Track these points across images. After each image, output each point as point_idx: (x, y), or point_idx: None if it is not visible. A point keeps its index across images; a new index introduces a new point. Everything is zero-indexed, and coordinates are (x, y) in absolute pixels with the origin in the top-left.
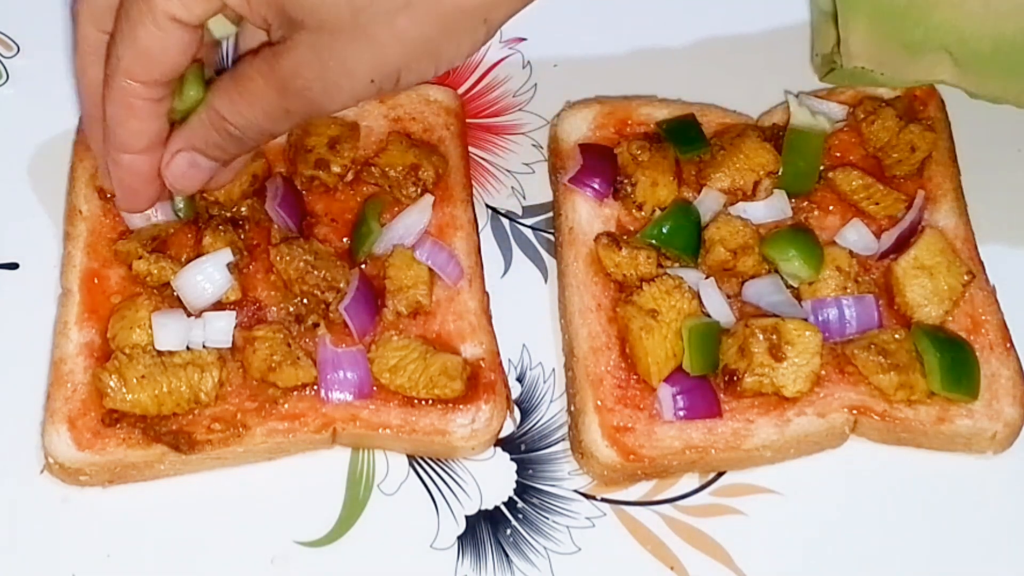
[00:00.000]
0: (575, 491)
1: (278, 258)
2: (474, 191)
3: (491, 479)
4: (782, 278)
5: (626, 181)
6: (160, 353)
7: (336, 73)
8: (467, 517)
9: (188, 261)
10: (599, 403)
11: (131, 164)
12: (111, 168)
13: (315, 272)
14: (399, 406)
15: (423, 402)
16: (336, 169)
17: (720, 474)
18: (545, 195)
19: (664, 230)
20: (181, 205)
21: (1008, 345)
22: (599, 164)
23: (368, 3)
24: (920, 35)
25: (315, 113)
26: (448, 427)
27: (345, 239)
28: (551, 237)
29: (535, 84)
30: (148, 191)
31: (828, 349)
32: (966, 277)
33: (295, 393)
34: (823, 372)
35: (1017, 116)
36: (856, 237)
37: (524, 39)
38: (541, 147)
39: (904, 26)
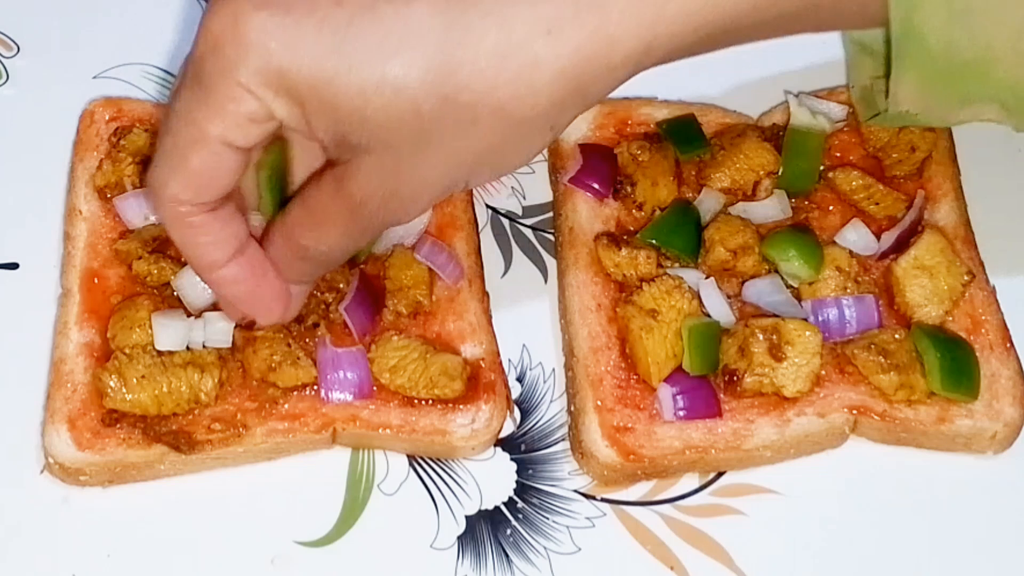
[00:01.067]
0: (575, 491)
1: None
2: (474, 191)
3: (491, 479)
4: (782, 278)
5: (626, 181)
6: (160, 353)
7: (408, 190)
8: (467, 517)
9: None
10: (599, 403)
11: (233, 276)
12: (219, 295)
13: None
14: (399, 406)
15: (423, 402)
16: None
17: (720, 474)
18: (545, 195)
19: (664, 230)
20: None
21: (1008, 345)
22: (599, 164)
23: (435, 123)
24: (974, 90)
25: (393, 225)
26: (448, 427)
27: None
28: (551, 237)
29: None
30: (269, 295)
31: (828, 349)
32: (966, 277)
33: (295, 393)
34: (823, 372)
35: None
36: (856, 237)
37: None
38: None
39: (958, 83)
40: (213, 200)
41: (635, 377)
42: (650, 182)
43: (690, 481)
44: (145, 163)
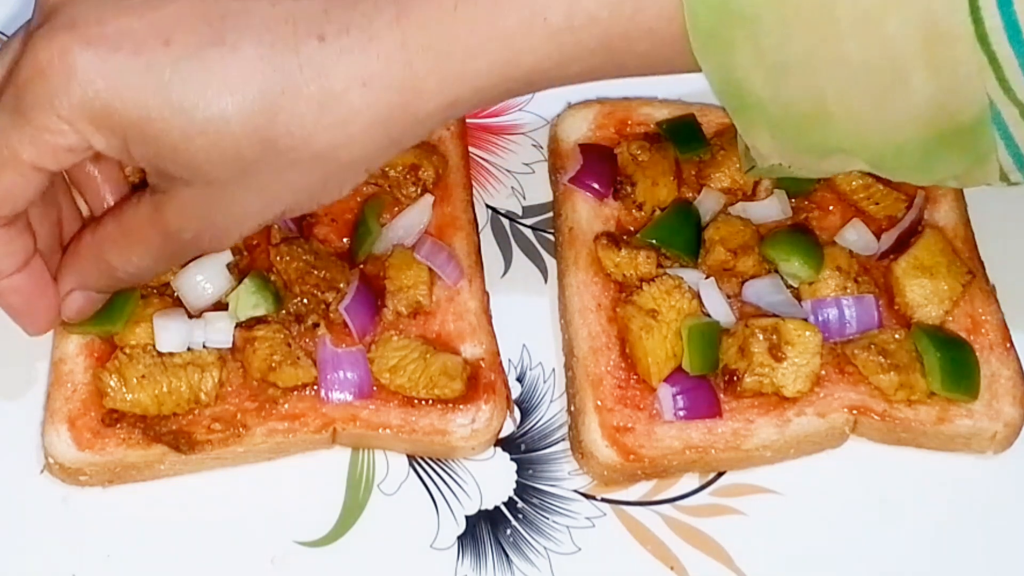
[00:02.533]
0: (575, 491)
1: (278, 258)
2: (474, 191)
3: (491, 479)
4: (782, 278)
5: (626, 181)
6: (160, 353)
7: (225, 222)
8: (467, 517)
9: (188, 261)
10: (599, 403)
11: (14, 287)
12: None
13: (315, 272)
14: (399, 406)
15: (423, 402)
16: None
17: (720, 474)
18: (545, 195)
19: (664, 230)
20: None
21: (1008, 345)
22: (599, 164)
23: (255, 164)
24: (821, 141)
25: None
26: (448, 427)
27: (345, 239)
28: (551, 237)
29: None
30: (44, 308)
31: (828, 349)
32: (966, 277)
33: (295, 393)
34: (823, 372)
35: None
36: (856, 237)
37: None
38: (541, 147)
39: (805, 136)
40: (11, 216)
41: (635, 377)
42: (650, 182)
43: (690, 481)
44: None
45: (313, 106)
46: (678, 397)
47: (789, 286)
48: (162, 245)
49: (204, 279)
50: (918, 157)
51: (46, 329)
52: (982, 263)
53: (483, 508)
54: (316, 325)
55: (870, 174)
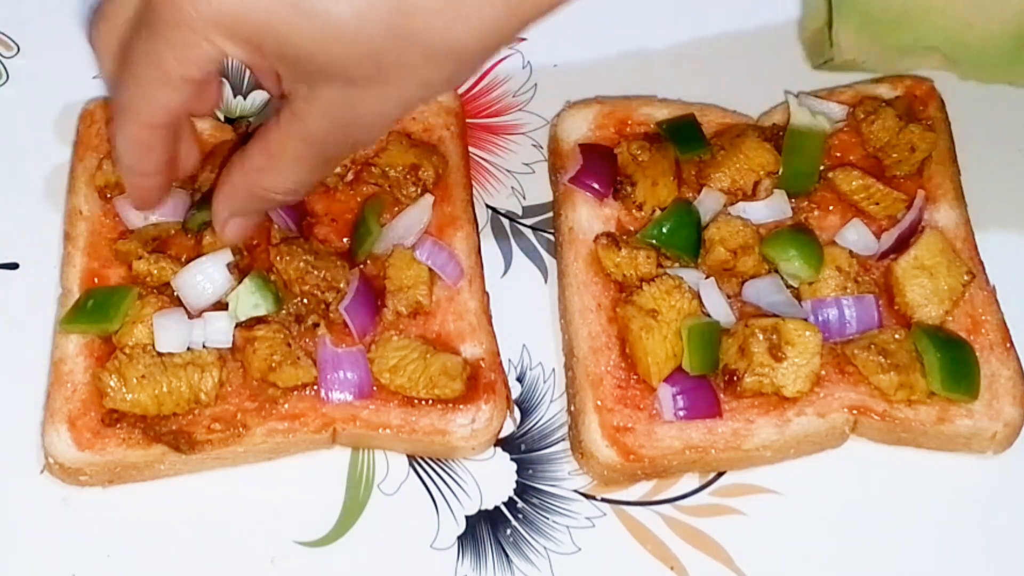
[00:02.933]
0: (575, 491)
1: (278, 258)
2: (474, 191)
3: (491, 479)
4: (782, 278)
5: (626, 181)
6: (160, 353)
7: (368, 118)
8: (467, 517)
9: (188, 261)
10: (599, 403)
11: (145, 182)
12: (125, 181)
13: (315, 272)
14: (399, 406)
15: (423, 402)
16: (336, 169)
17: (720, 474)
18: (545, 195)
19: (664, 230)
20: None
21: (1008, 345)
22: (599, 164)
23: (392, 61)
24: (910, 39)
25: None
26: (448, 427)
27: (345, 239)
28: (551, 237)
29: (535, 84)
30: (159, 194)
31: (828, 349)
32: (966, 277)
33: (295, 393)
34: (823, 372)
35: (1017, 116)
36: (856, 237)
37: (524, 39)
38: (541, 147)
39: (894, 31)
40: (163, 123)
41: (635, 377)
42: (650, 182)
43: (690, 481)
44: None
45: (445, 1)
46: (678, 397)
47: (789, 286)
48: (312, 155)
49: (204, 279)
50: (1006, 51)
51: (149, 207)
52: (982, 263)
53: (483, 508)
54: (316, 325)
55: (871, 174)
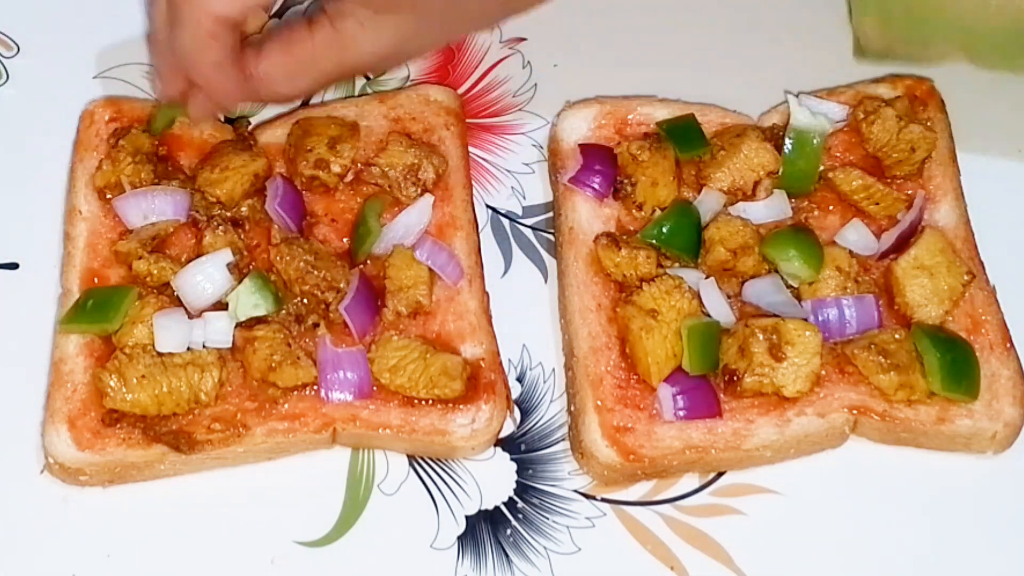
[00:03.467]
0: (575, 491)
1: (278, 258)
2: (474, 191)
3: (491, 479)
4: (782, 278)
5: (626, 181)
6: (160, 353)
7: (364, 45)
8: (467, 517)
9: (188, 261)
10: (599, 403)
11: (216, 74)
12: (196, 77)
13: (315, 272)
14: (399, 406)
15: (423, 402)
16: (336, 169)
17: (720, 474)
18: (545, 195)
19: (664, 230)
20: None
21: (1008, 345)
22: (599, 164)
23: None
24: (928, 31)
25: (342, 78)
26: (448, 427)
27: (345, 239)
28: (551, 237)
29: (535, 84)
30: (231, 96)
31: (828, 349)
32: (966, 277)
33: (295, 393)
34: (823, 372)
35: (1017, 116)
36: (856, 237)
37: (524, 39)
38: (541, 147)
39: (911, 24)
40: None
41: (635, 377)
42: (650, 182)
43: (690, 481)
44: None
45: None
46: (678, 397)
47: (789, 286)
48: (332, 61)
49: (204, 279)
50: (1012, 45)
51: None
52: (982, 263)
53: (483, 508)
54: (316, 325)
55: (871, 174)
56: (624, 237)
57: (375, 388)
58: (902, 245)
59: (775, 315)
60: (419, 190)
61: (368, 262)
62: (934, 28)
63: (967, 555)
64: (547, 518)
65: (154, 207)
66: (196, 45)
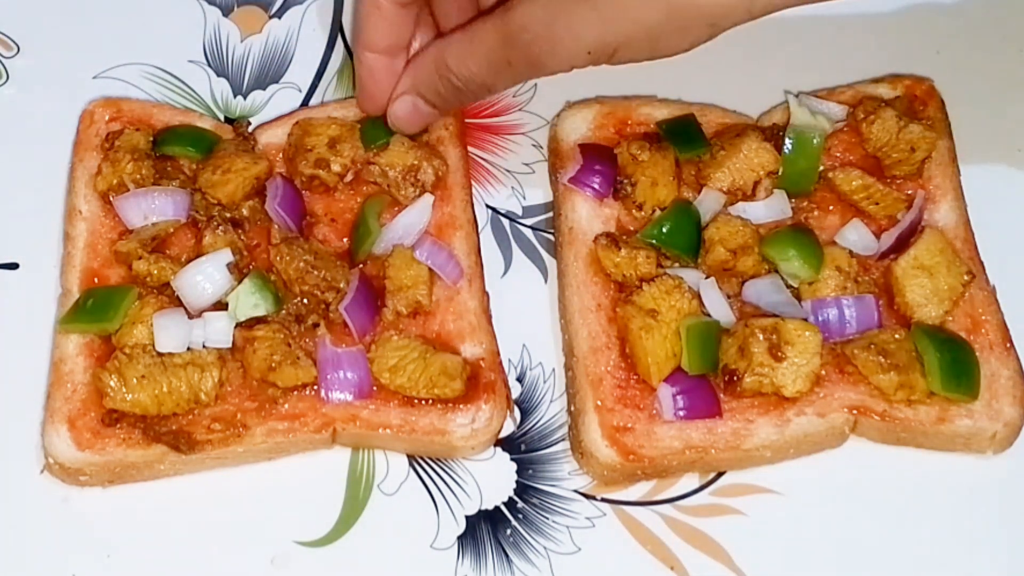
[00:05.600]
0: (575, 491)
1: (278, 258)
2: (474, 191)
3: (491, 479)
4: (782, 278)
5: (626, 181)
6: (160, 353)
7: (562, 33)
8: (467, 517)
9: (188, 261)
10: (599, 403)
11: (372, 63)
12: (356, 66)
13: (315, 272)
14: (399, 406)
15: (423, 402)
16: (336, 169)
17: (720, 474)
18: (545, 195)
19: (664, 230)
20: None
21: (1008, 345)
22: (599, 164)
23: None
24: None
25: (532, 73)
26: (448, 427)
27: (345, 239)
28: (551, 237)
29: (535, 84)
30: (381, 96)
31: (828, 349)
32: (966, 277)
33: (295, 393)
34: (823, 372)
35: (1017, 116)
36: (856, 237)
37: None
38: (541, 147)
39: None
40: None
41: (635, 377)
42: (650, 182)
43: (690, 481)
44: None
45: None
46: (678, 397)
47: (789, 286)
48: (500, 49)
49: (204, 279)
50: None
51: (368, 110)
52: (982, 263)
53: (483, 508)
54: (316, 325)
55: (871, 174)
56: (624, 237)
57: (375, 388)
58: (902, 245)
59: (775, 315)
60: (418, 191)
61: (368, 262)
62: None
63: (967, 555)
64: (547, 518)
65: (154, 207)
66: (366, 15)
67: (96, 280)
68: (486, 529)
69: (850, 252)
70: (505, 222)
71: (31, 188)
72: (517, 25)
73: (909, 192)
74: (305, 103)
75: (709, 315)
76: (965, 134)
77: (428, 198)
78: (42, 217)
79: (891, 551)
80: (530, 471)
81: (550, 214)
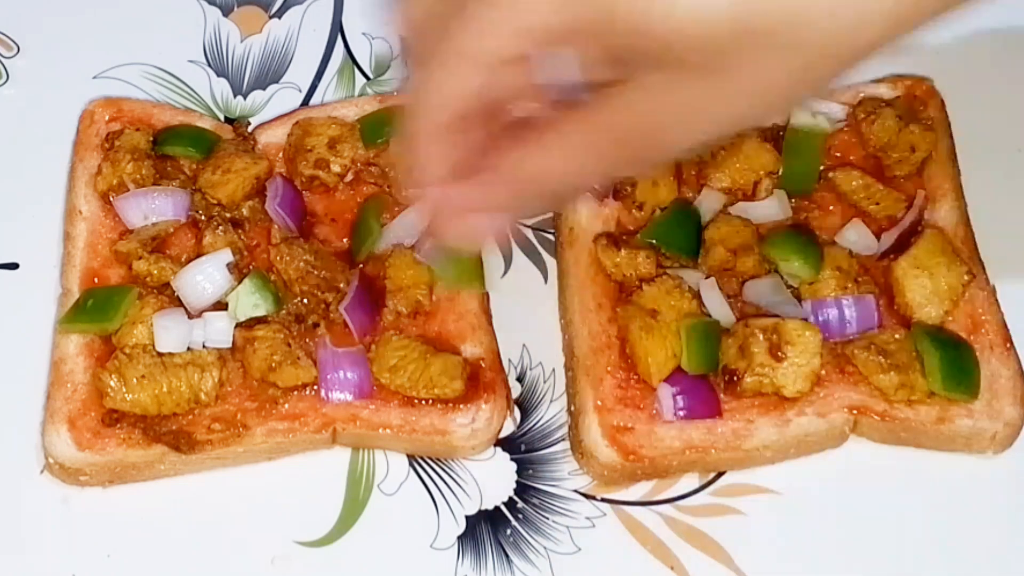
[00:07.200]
0: (575, 491)
1: (278, 258)
2: None
3: (491, 479)
4: (782, 278)
5: (626, 181)
6: (160, 353)
7: (690, 117)
8: (467, 517)
9: (188, 261)
10: (599, 403)
11: (445, 195)
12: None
13: (315, 272)
14: (399, 406)
15: (423, 402)
16: (336, 169)
17: (720, 474)
18: None
19: (664, 230)
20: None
21: (1008, 345)
22: None
23: (732, 46)
24: None
25: (662, 156)
26: (448, 427)
27: (345, 239)
28: (551, 237)
29: None
30: (460, 218)
31: (828, 349)
32: (966, 277)
33: (295, 393)
34: (823, 372)
35: (1017, 116)
36: (856, 237)
37: None
38: None
39: None
40: (458, 115)
41: (635, 377)
42: (650, 182)
43: (690, 481)
44: (141, 159)
45: None
46: (678, 397)
47: (789, 286)
48: (608, 144)
49: (204, 279)
50: None
51: (463, 240)
52: (982, 263)
53: (483, 508)
54: (316, 325)
55: (871, 174)
56: (624, 237)
57: (375, 388)
58: (902, 245)
59: (775, 315)
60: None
61: (368, 262)
62: None
63: (967, 555)
64: (547, 518)
65: (154, 207)
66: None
67: (96, 280)
68: (486, 529)
69: (850, 252)
70: None
71: (31, 188)
72: (625, 118)
73: (909, 192)
74: (305, 103)
75: (709, 315)
76: (965, 134)
77: None
78: (42, 217)
79: (891, 551)
80: (530, 471)
81: (550, 214)
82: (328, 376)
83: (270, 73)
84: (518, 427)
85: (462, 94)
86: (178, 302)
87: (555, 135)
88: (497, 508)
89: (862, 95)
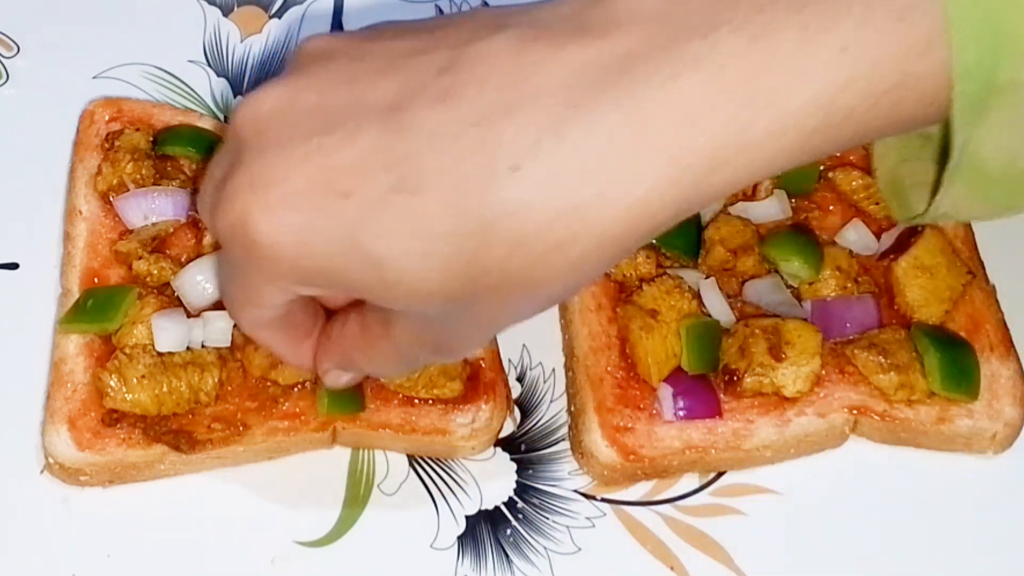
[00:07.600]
0: (575, 491)
1: None
2: None
3: (491, 479)
4: (782, 278)
5: None
6: (160, 353)
7: (451, 342)
8: (467, 517)
9: (188, 261)
10: (599, 403)
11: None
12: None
13: None
14: (399, 406)
15: (423, 402)
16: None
17: (720, 474)
18: None
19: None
20: None
21: (1008, 345)
22: None
23: (464, 299)
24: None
25: (453, 358)
26: (448, 427)
27: None
28: None
29: None
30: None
31: (828, 349)
32: (966, 277)
33: (295, 391)
34: (823, 372)
35: None
36: (856, 237)
37: None
38: None
39: (1011, 194)
40: (275, 318)
41: (635, 377)
42: None
43: (690, 481)
44: (141, 159)
45: (510, 244)
46: (678, 397)
47: (789, 286)
48: (397, 358)
49: (204, 279)
50: None
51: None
52: (982, 263)
53: (483, 508)
54: None
55: (871, 174)
56: None
57: (375, 388)
58: (902, 245)
59: (775, 315)
60: None
61: None
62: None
63: (967, 555)
64: (547, 518)
65: (154, 207)
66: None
67: (96, 280)
68: (486, 529)
69: (850, 252)
70: None
71: (31, 188)
72: (404, 344)
73: None
74: None
75: (709, 315)
76: None
77: None
78: (42, 217)
79: (891, 551)
80: (530, 471)
81: None
82: None
83: (270, 73)
84: (518, 427)
85: (261, 320)
86: (178, 302)
87: (363, 334)
88: (497, 508)
89: None
